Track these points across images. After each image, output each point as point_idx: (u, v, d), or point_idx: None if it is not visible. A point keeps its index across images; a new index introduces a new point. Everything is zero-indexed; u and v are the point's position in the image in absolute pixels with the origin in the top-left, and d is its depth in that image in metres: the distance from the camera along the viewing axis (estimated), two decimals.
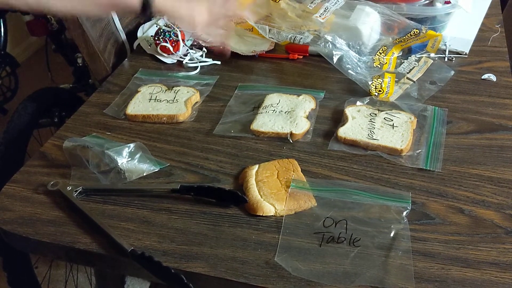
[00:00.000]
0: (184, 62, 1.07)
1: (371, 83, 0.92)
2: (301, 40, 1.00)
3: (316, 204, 0.70)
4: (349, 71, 0.95)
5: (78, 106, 1.02)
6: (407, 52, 1.04)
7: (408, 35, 1.00)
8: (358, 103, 0.89)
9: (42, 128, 1.33)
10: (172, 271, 0.60)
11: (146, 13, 0.80)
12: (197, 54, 1.08)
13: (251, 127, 0.85)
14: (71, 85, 1.57)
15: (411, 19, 1.04)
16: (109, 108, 0.93)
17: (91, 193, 0.74)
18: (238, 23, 1.12)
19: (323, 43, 0.98)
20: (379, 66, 0.99)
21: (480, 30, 1.14)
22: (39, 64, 1.98)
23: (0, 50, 2.10)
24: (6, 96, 2.26)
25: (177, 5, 0.81)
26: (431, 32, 0.99)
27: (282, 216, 0.69)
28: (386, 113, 0.86)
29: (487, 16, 1.20)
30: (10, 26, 2.12)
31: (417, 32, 0.99)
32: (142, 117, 0.90)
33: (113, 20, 1.16)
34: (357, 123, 0.84)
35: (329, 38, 0.97)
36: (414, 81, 0.94)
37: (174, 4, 0.81)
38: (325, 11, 0.99)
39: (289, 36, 1.01)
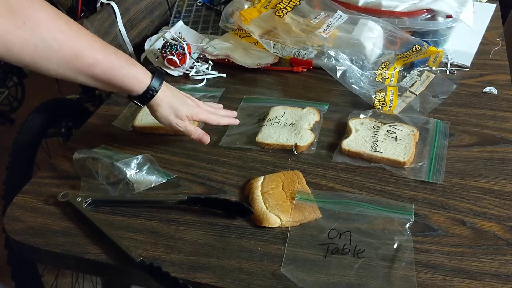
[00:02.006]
0: (190, 74, 1.09)
1: (374, 97, 0.94)
2: (305, 55, 1.02)
3: (320, 216, 0.71)
4: (353, 85, 0.96)
5: (84, 117, 1.04)
6: (409, 66, 1.06)
7: (410, 51, 1.02)
8: (362, 115, 0.91)
9: (49, 138, 1.35)
10: (180, 281, 0.62)
11: (142, 102, 0.78)
12: (203, 67, 1.10)
13: (256, 139, 0.87)
14: (78, 96, 1.59)
15: (413, 32, 1.06)
16: (117, 120, 0.95)
17: (100, 204, 0.76)
18: (244, 37, 1.14)
19: (326, 58, 0.99)
20: (381, 81, 1.00)
21: (481, 43, 1.16)
22: (45, 75, 2.00)
23: None
24: (13, 106, 2.28)
25: (167, 112, 0.80)
26: (432, 48, 1.00)
27: (287, 227, 0.70)
28: (389, 126, 0.87)
29: (488, 29, 1.22)
30: None
31: (418, 48, 1.01)
32: (150, 129, 0.91)
33: (121, 33, 1.18)
34: (361, 136, 0.85)
35: (332, 53, 0.98)
36: (416, 95, 0.96)
37: (165, 110, 0.80)
38: (328, 26, 1.01)
39: (293, 51, 1.03)
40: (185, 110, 0.82)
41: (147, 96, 0.77)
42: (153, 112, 0.81)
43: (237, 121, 0.92)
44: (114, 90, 0.75)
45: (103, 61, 0.70)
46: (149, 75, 0.77)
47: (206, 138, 0.84)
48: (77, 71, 0.69)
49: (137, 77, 0.75)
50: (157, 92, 0.77)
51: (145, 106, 0.80)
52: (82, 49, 0.68)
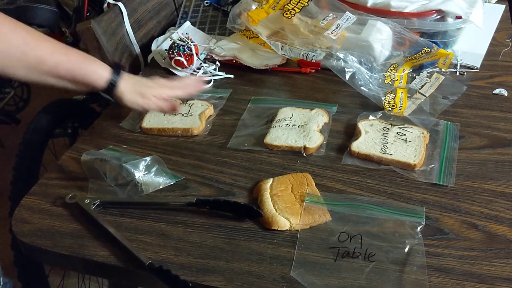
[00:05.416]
0: (197, 75, 1.09)
1: (384, 99, 0.93)
2: (313, 57, 1.01)
3: (330, 219, 0.70)
4: (362, 87, 0.96)
5: (91, 117, 1.04)
6: (418, 68, 1.05)
7: (419, 53, 1.01)
8: (371, 117, 0.90)
9: (55, 138, 1.35)
10: (190, 284, 0.61)
11: (109, 94, 0.83)
12: (211, 68, 1.10)
13: (264, 141, 0.86)
14: (84, 97, 1.58)
15: (422, 33, 1.05)
16: (124, 121, 0.95)
17: (109, 206, 0.75)
18: (251, 38, 1.14)
19: (335, 60, 0.99)
20: (390, 83, 1.00)
21: (491, 44, 1.15)
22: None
23: None
24: (18, 106, 2.28)
25: (133, 97, 0.85)
26: (442, 50, 1.00)
27: (297, 230, 0.69)
28: (398, 127, 0.87)
29: (498, 30, 1.21)
30: None
31: (428, 50, 1.00)
32: (158, 130, 0.91)
33: (128, 34, 1.18)
34: (370, 138, 0.84)
35: (341, 55, 0.98)
36: (426, 96, 0.95)
37: (131, 96, 0.85)
38: (337, 27, 1.00)
39: (302, 53, 1.02)
40: (150, 91, 0.87)
41: (110, 88, 0.82)
42: (120, 101, 0.85)
43: (203, 85, 1.00)
44: (81, 87, 0.81)
45: (66, 62, 0.77)
46: (108, 68, 0.82)
47: (177, 107, 0.90)
48: (44, 73, 0.75)
49: (98, 72, 0.81)
50: (117, 83, 0.82)
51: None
52: (44, 54, 0.74)
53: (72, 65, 0.77)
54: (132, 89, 0.85)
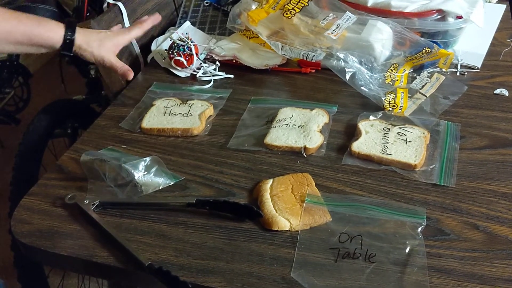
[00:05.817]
0: (197, 75, 1.09)
1: (385, 99, 0.93)
2: (313, 57, 1.01)
3: (331, 219, 0.70)
4: (362, 87, 0.95)
5: (91, 117, 1.04)
6: (419, 68, 1.05)
7: (420, 53, 1.01)
8: (371, 117, 0.90)
9: (55, 138, 1.35)
10: (190, 286, 0.61)
11: (68, 50, 0.84)
12: (211, 67, 1.10)
13: (264, 141, 0.86)
14: (84, 97, 1.58)
15: (423, 33, 1.05)
16: (124, 122, 0.95)
17: (108, 207, 0.75)
18: (251, 38, 1.13)
19: (335, 60, 0.98)
20: (391, 83, 0.99)
21: (492, 44, 1.15)
22: (51, 74, 2.00)
23: (13, 60, 2.12)
24: (18, 106, 2.28)
25: (91, 49, 0.88)
26: (443, 50, 0.99)
27: (297, 231, 0.69)
28: (399, 128, 0.86)
29: (498, 30, 1.20)
30: None
31: (428, 50, 1.00)
32: (157, 130, 0.91)
33: None
34: (371, 138, 0.84)
35: (341, 55, 0.97)
36: (426, 96, 0.95)
37: (88, 47, 0.87)
38: (337, 27, 1.00)
39: (302, 53, 1.02)
40: (108, 42, 0.90)
41: (67, 43, 0.84)
42: (81, 55, 0.87)
43: (158, 18, 1.01)
44: (40, 49, 0.83)
45: (19, 25, 0.79)
46: (62, 25, 0.84)
47: (130, 74, 0.92)
48: (1, 41, 0.78)
49: (52, 30, 0.83)
50: (73, 37, 0.84)
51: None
52: None
53: (25, 28, 0.79)
54: (89, 41, 0.87)
